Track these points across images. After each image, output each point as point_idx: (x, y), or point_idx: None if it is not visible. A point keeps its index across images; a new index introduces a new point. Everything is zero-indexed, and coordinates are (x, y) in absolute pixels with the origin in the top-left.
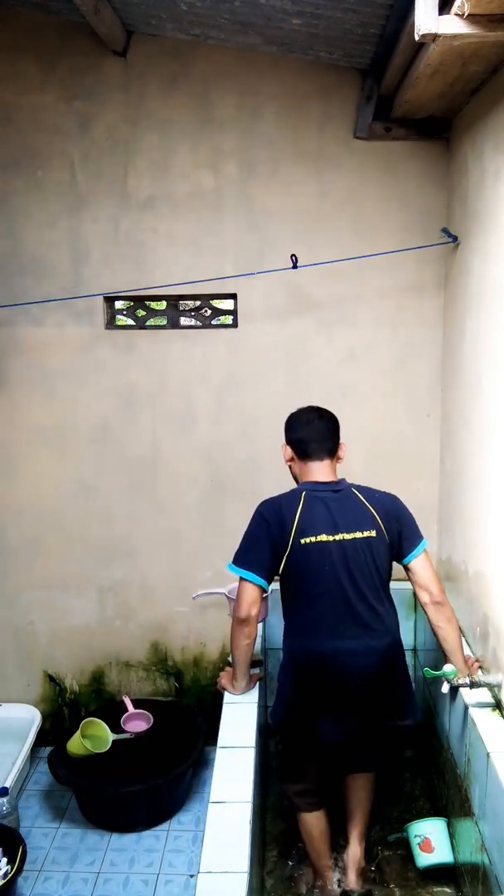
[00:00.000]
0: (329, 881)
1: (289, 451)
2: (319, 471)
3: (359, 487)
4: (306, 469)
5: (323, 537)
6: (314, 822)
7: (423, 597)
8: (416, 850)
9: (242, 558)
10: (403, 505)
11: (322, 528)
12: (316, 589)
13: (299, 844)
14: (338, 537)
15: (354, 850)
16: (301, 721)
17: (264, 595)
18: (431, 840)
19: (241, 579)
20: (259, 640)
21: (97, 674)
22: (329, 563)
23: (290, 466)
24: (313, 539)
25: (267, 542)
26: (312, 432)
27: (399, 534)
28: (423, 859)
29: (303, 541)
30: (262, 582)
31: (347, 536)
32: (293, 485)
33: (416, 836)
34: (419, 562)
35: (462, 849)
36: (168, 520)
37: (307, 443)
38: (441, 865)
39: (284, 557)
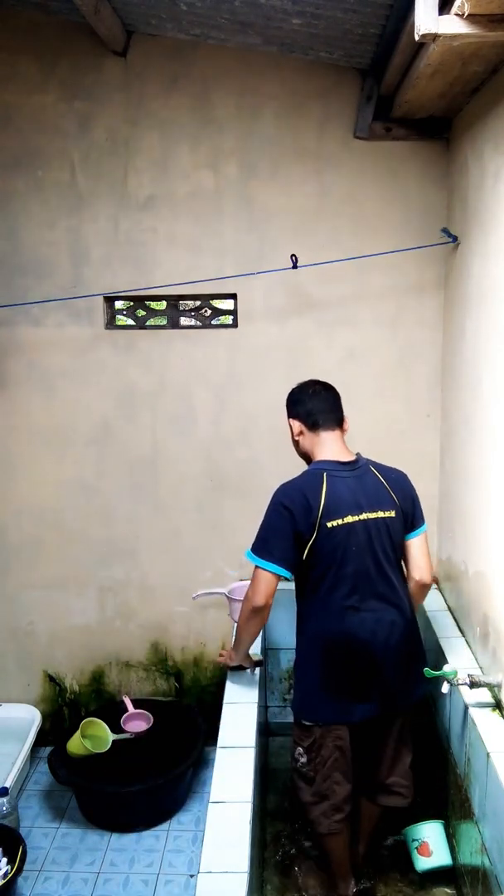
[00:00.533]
0: None
1: (297, 425)
2: (332, 442)
3: (375, 465)
4: (318, 441)
5: (349, 519)
6: (338, 845)
7: (416, 574)
8: (415, 854)
9: (262, 548)
10: (412, 484)
11: (347, 509)
12: (343, 570)
13: (309, 855)
14: (362, 517)
15: (362, 850)
16: (334, 703)
17: None
18: (430, 843)
19: (259, 568)
20: (260, 640)
21: (97, 674)
22: (356, 543)
23: (297, 442)
24: (340, 521)
25: (290, 531)
26: (321, 402)
27: (411, 513)
28: (423, 863)
29: (329, 524)
30: (283, 572)
31: (371, 516)
32: None
33: (413, 839)
34: (419, 540)
35: (462, 849)
36: (168, 520)
37: (317, 413)
38: (440, 868)
39: (310, 542)
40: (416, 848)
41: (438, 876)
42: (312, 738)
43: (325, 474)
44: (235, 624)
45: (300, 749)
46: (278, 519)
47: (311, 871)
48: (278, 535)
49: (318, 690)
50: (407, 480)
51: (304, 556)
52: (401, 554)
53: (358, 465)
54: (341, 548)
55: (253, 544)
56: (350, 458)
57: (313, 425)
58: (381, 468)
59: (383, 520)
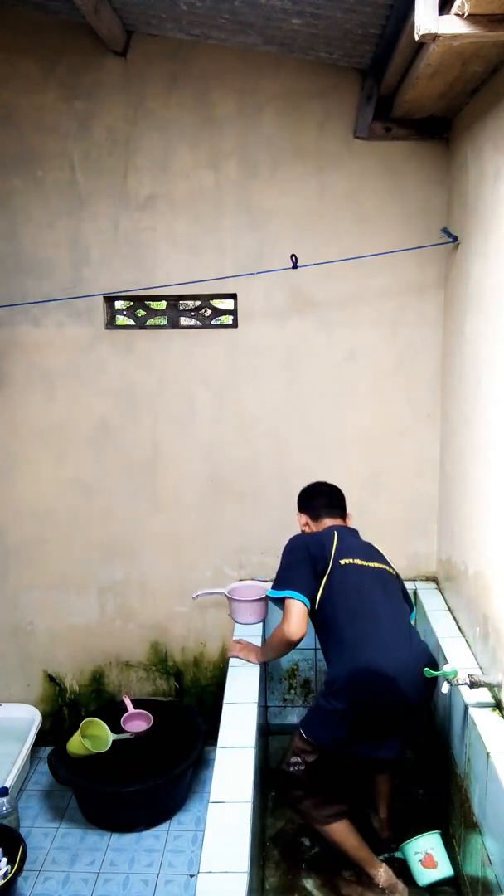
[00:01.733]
0: (383, 880)
1: (304, 518)
2: (335, 523)
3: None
4: (322, 525)
5: (359, 561)
6: (347, 830)
7: None
8: (419, 868)
9: (285, 582)
10: None
11: (356, 554)
12: (361, 606)
13: (313, 851)
14: (371, 564)
15: (384, 815)
16: (359, 741)
17: (264, 595)
18: (433, 854)
19: (288, 598)
20: (259, 639)
21: (97, 674)
22: (368, 583)
23: (303, 532)
24: (350, 561)
25: (307, 562)
26: (324, 499)
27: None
28: (427, 876)
29: (342, 561)
30: (307, 601)
31: (378, 565)
32: (292, 484)
33: (416, 853)
34: None
35: (462, 850)
36: (168, 520)
37: (320, 508)
38: (444, 880)
39: (325, 577)
40: (420, 861)
41: (437, 883)
42: (315, 756)
43: (335, 531)
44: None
45: (298, 758)
46: (295, 557)
47: (312, 871)
48: (298, 567)
49: (336, 726)
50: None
51: (320, 592)
52: (408, 611)
53: (356, 533)
54: (355, 584)
55: (274, 584)
56: (351, 529)
57: (317, 518)
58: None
59: (387, 571)
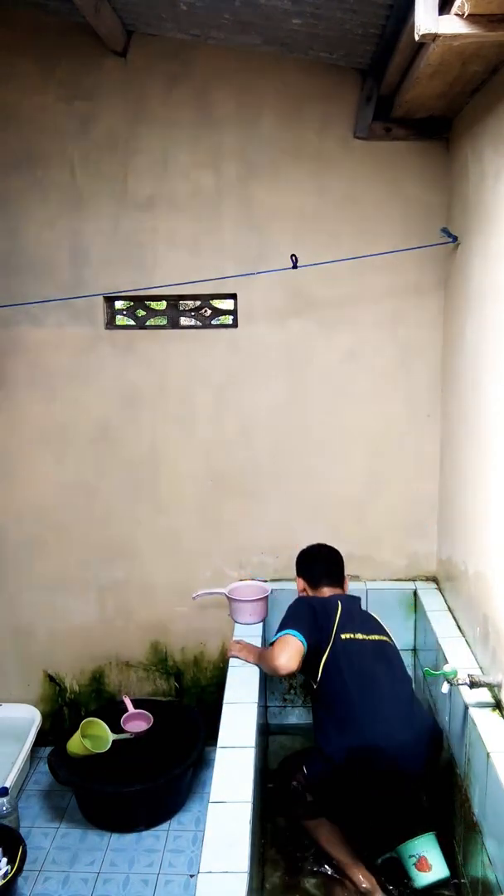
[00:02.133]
0: (361, 884)
1: (301, 583)
2: (333, 592)
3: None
4: (320, 593)
5: (359, 636)
6: (329, 829)
7: None
8: (414, 871)
9: (288, 624)
10: None
11: (357, 628)
12: (362, 684)
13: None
14: (370, 637)
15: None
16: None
17: (264, 595)
18: (427, 858)
19: (287, 635)
20: (259, 639)
21: (97, 674)
22: (369, 659)
23: (301, 595)
24: (352, 636)
25: (312, 618)
26: (322, 566)
27: None
28: (422, 879)
29: (343, 636)
30: (305, 642)
31: (378, 638)
32: (291, 489)
33: (410, 856)
34: None
35: (462, 850)
36: (168, 520)
37: (319, 576)
38: (440, 881)
39: (327, 651)
40: (415, 864)
41: (433, 885)
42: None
43: (338, 601)
44: (252, 661)
45: (296, 784)
46: (301, 612)
47: (312, 870)
48: (302, 616)
49: (337, 787)
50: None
51: (321, 667)
52: (409, 680)
53: (357, 603)
54: (356, 660)
55: (277, 629)
56: (352, 597)
57: (316, 586)
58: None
59: (386, 643)
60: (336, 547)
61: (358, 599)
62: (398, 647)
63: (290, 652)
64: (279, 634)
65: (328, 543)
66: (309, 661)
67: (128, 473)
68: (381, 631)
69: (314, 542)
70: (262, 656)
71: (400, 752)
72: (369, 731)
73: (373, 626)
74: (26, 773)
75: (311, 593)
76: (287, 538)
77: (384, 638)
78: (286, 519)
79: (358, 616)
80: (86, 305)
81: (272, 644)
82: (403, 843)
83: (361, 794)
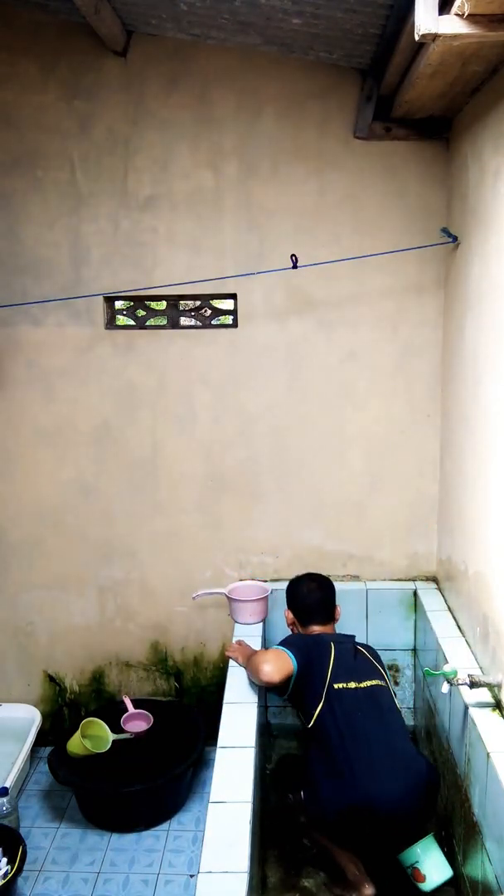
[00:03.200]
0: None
1: (290, 616)
2: (322, 629)
3: (356, 642)
4: (310, 630)
5: (352, 685)
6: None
7: None
8: (412, 881)
9: (286, 643)
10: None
11: (349, 676)
12: (352, 737)
13: (313, 851)
14: (362, 685)
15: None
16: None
17: (264, 595)
18: (420, 868)
19: (283, 651)
20: (259, 639)
21: (97, 674)
22: (362, 709)
23: (291, 629)
24: (344, 685)
25: (307, 650)
26: (313, 603)
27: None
28: (421, 888)
29: (336, 685)
30: (296, 666)
31: (370, 683)
32: (291, 489)
33: (406, 866)
34: None
35: (462, 850)
36: (168, 520)
37: (310, 612)
38: (442, 883)
39: (320, 704)
40: (410, 875)
41: (436, 890)
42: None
43: (332, 642)
44: (248, 668)
45: (292, 799)
46: (300, 641)
47: (312, 871)
48: (300, 647)
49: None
50: (379, 655)
51: (314, 717)
52: (402, 721)
53: (351, 644)
54: (348, 711)
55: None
56: (344, 637)
57: (306, 623)
58: (362, 646)
59: (378, 687)
60: (337, 547)
61: (351, 639)
62: (403, 650)
63: (278, 664)
64: (276, 647)
65: (318, 573)
66: (299, 699)
67: (128, 473)
68: (373, 673)
69: (314, 541)
70: (250, 658)
71: (392, 809)
72: (361, 791)
73: (365, 668)
74: (26, 773)
75: (299, 629)
76: (287, 538)
77: (376, 682)
78: (286, 519)
79: (350, 660)
80: (86, 305)
81: (268, 650)
82: (402, 854)
83: (354, 842)
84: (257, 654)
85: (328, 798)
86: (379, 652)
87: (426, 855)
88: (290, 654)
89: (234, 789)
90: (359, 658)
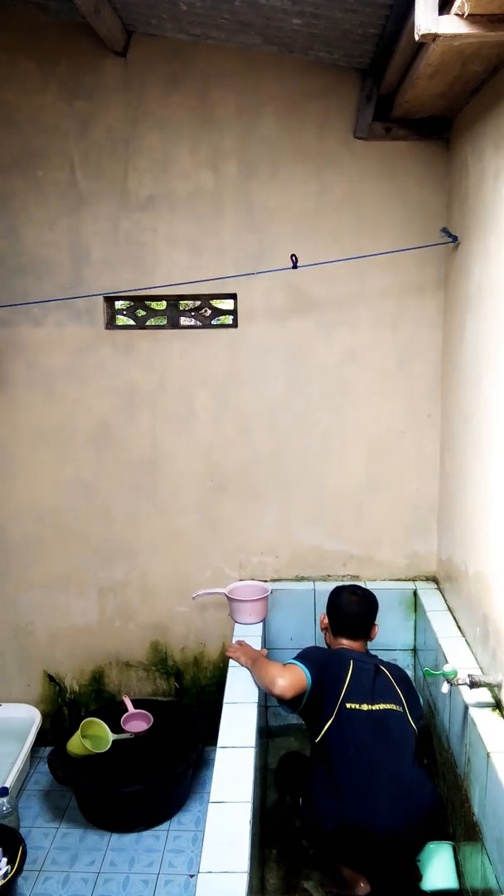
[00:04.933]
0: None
1: (325, 622)
2: (353, 647)
3: (381, 662)
4: (338, 643)
5: (365, 706)
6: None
7: None
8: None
9: (303, 659)
10: (406, 673)
11: (365, 697)
12: (357, 759)
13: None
14: (375, 707)
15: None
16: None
17: (264, 595)
18: (420, 868)
19: (299, 667)
20: (259, 639)
21: (97, 674)
22: (370, 733)
23: (323, 633)
24: (357, 706)
25: (324, 666)
26: (348, 616)
27: (416, 708)
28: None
29: (348, 705)
30: (311, 683)
31: (383, 707)
32: (291, 489)
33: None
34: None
35: (462, 850)
36: (168, 520)
37: (345, 625)
38: (434, 892)
39: (329, 721)
40: (415, 869)
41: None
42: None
43: (352, 662)
44: (255, 675)
45: (290, 800)
46: (318, 657)
47: (312, 871)
48: (317, 663)
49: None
50: (404, 673)
51: (323, 731)
52: (415, 747)
53: (375, 663)
54: (356, 734)
55: (294, 657)
56: (370, 656)
57: (337, 634)
58: (386, 665)
59: (394, 712)
60: (337, 547)
61: (373, 659)
62: (408, 676)
63: (293, 680)
64: (291, 661)
65: (365, 588)
66: (310, 714)
67: (128, 473)
68: (390, 696)
69: (314, 541)
70: (260, 665)
71: (388, 835)
72: (358, 814)
73: (383, 691)
74: (26, 773)
75: (330, 636)
76: (287, 538)
77: (390, 706)
78: (286, 519)
79: (367, 681)
80: (86, 305)
81: (284, 664)
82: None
83: (349, 858)
84: (271, 666)
85: (327, 808)
86: (379, 653)
87: (434, 858)
88: (306, 669)
89: (234, 789)
90: (378, 680)
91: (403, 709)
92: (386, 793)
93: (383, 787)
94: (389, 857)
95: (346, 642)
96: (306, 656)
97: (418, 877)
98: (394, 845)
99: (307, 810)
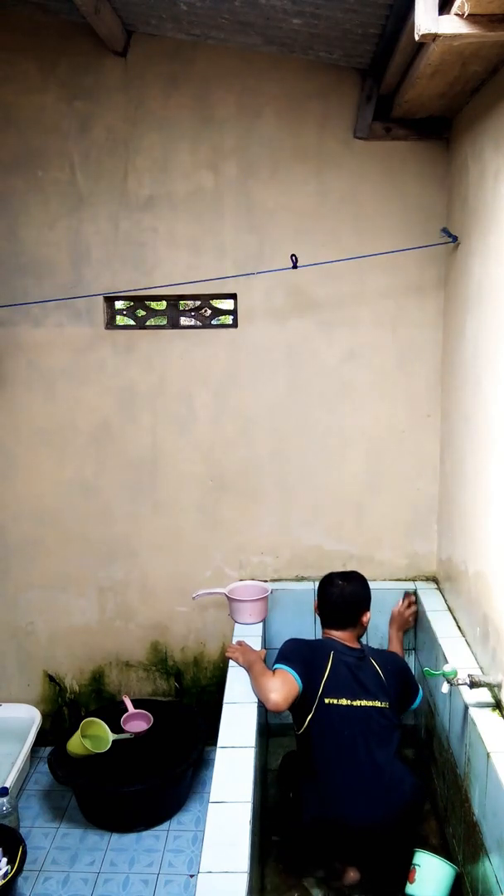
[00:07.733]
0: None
1: (316, 605)
2: (340, 637)
3: (373, 653)
4: (327, 633)
5: (344, 701)
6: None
7: None
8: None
9: (289, 659)
10: (405, 665)
11: (345, 692)
12: (336, 753)
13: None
14: (356, 703)
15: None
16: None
17: (264, 595)
18: (415, 871)
19: (289, 674)
20: (259, 639)
21: (97, 674)
22: (349, 729)
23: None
24: (335, 701)
25: (307, 659)
26: (333, 606)
27: (406, 695)
28: (409, 888)
29: (327, 700)
30: (301, 685)
31: (366, 703)
32: (291, 489)
33: (413, 863)
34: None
35: (462, 850)
36: (168, 520)
37: (330, 615)
38: None
39: (309, 715)
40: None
41: None
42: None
43: (332, 654)
44: (255, 687)
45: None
46: (296, 649)
47: (312, 871)
48: (299, 660)
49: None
50: (400, 664)
51: (303, 729)
52: (398, 743)
53: (362, 655)
54: (336, 730)
55: (277, 659)
56: (356, 647)
57: (326, 623)
58: (379, 656)
59: (378, 709)
60: (337, 547)
61: (358, 652)
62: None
63: (285, 692)
64: (280, 666)
65: (355, 573)
66: (294, 707)
67: (128, 473)
68: (373, 691)
69: (314, 541)
70: (255, 674)
71: (364, 830)
72: (338, 806)
73: (366, 686)
74: (26, 773)
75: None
76: (287, 538)
77: (372, 703)
78: (286, 519)
79: (347, 675)
80: (86, 305)
81: (273, 671)
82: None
83: (327, 851)
84: (264, 678)
85: (304, 806)
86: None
87: (433, 873)
88: (295, 674)
89: (234, 789)
90: (362, 674)
91: (389, 702)
92: (363, 787)
93: (361, 781)
94: (367, 850)
95: (334, 633)
96: (291, 657)
97: (411, 879)
98: (370, 838)
99: (293, 801)
